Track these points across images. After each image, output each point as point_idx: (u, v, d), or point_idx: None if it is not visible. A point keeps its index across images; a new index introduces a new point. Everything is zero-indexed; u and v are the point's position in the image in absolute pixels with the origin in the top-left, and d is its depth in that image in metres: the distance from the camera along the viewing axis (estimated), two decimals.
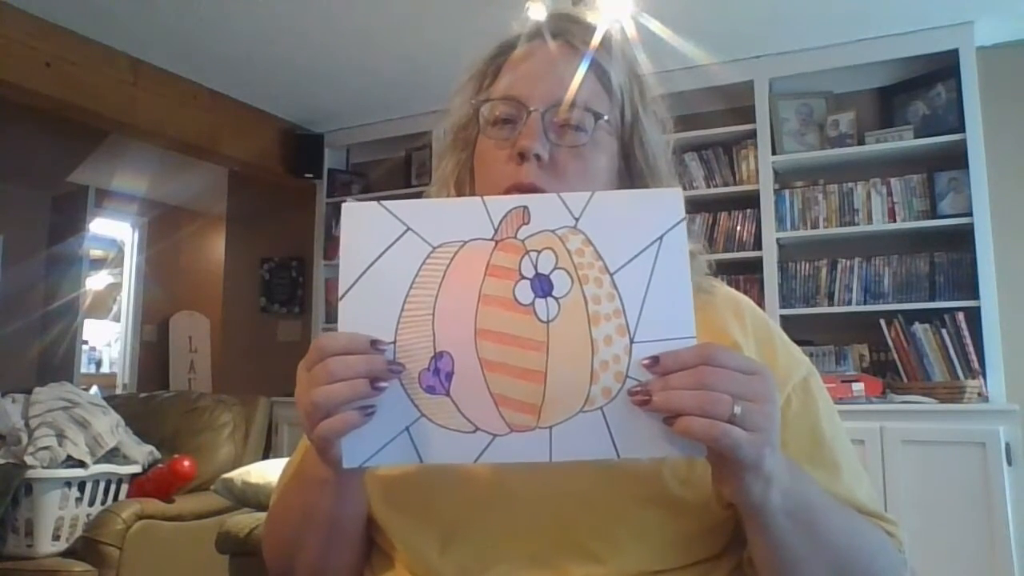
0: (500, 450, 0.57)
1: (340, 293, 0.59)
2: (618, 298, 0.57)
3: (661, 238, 0.58)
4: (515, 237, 0.59)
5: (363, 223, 0.60)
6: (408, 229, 0.60)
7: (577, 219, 0.59)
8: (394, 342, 0.58)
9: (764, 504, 0.57)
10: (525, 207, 0.59)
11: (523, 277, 0.58)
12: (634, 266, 0.58)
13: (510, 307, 0.58)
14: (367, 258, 0.60)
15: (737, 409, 0.52)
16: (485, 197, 0.60)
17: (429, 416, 0.58)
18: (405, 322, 0.59)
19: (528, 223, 0.59)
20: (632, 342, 0.56)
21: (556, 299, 0.58)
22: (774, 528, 0.59)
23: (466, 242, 0.59)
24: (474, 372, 0.57)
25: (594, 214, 0.59)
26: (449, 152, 0.82)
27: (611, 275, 0.58)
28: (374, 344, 0.57)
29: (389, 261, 0.60)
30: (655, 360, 0.55)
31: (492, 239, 0.59)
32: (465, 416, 0.57)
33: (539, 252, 0.58)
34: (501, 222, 0.59)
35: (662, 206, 0.59)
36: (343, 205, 0.61)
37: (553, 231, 0.59)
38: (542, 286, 0.58)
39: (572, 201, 0.59)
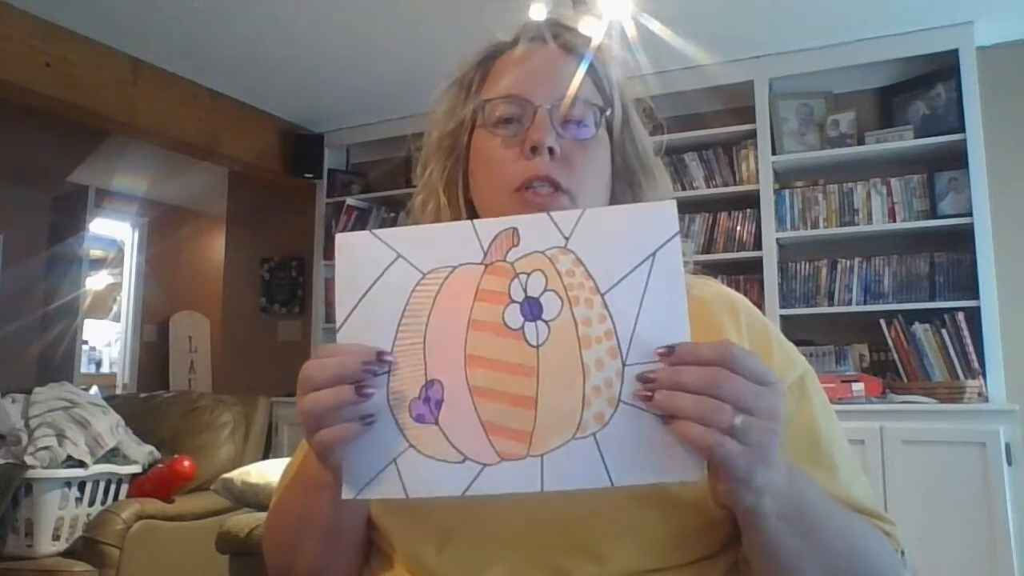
0: (489, 481, 0.56)
1: (337, 325, 0.59)
2: (609, 319, 0.55)
3: (654, 254, 0.56)
4: (504, 260, 0.58)
5: (356, 253, 0.60)
6: (399, 256, 0.59)
7: (567, 238, 0.57)
8: (388, 371, 0.58)
9: (756, 509, 0.57)
10: (515, 229, 0.58)
11: (512, 300, 0.57)
12: (626, 285, 0.56)
13: (500, 332, 0.57)
14: (360, 288, 0.59)
15: (738, 420, 0.51)
16: (475, 221, 0.60)
17: (417, 446, 0.57)
18: (398, 350, 0.58)
19: (518, 245, 0.58)
20: (624, 365, 0.55)
21: (546, 322, 0.56)
22: (767, 531, 0.59)
23: (455, 267, 0.58)
24: (464, 400, 0.56)
25: (585, 232, 0.57)
26: (434, 158, 0.82)
27: (602, 295, 0.56)
28: (367, 364, 0.57)
29: (381, 290, 0.59)
30: (670, 350, 0.54)
31: (481, 263, 0.58)
32: (454, 446, 0.56)
33: (528, 274, 0.57)
34: (490, 245, 0.58)
35: (655, 220, 0.56)
36: (337, 236, 0.61)
37: (543, 252, 0.57)
38: (531, 309, 0.57)
39: (562, 220, 0.58)
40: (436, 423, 0.57)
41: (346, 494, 0.58)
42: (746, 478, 0.53)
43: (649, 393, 0.53)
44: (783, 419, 0.54)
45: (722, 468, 0.53)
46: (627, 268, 0.56)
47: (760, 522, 0.58)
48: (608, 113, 0.77)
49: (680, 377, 0.53)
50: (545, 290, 0.57)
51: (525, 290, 0.57)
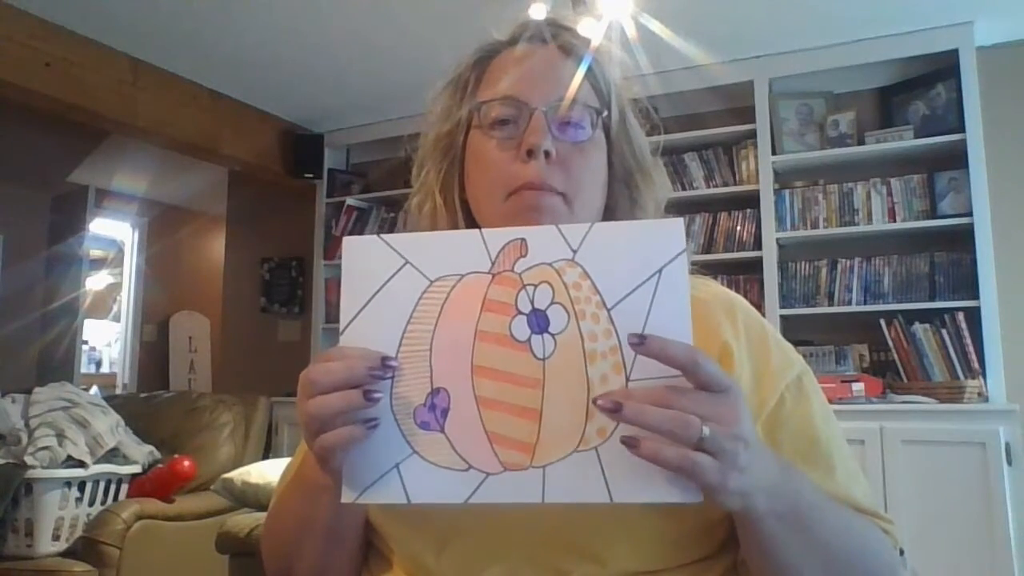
0: (492, 490, 0.56)
1: (341, 327, 0.59)
2: (615, 335, 0.56)
3: (660, 271, 0.56)
4: (512, 270, 0.58)
5: (363, 257, 0.60)
6: (407, 263, 0.60)
7: (575, 251, 0.58)
8: (392, 377, 0.58)
9: (747, 511, 0.57)
10: (523, 239, 0.59)
11: (519, 312, 0.57)
12: (632, 300, 0.56)
13: (506, 343, 0.57)
14: (367, 292, 0.59)
15: (706, 431, 0.51)
16: (483, 230, 0.60)
17: (421, 453, 0.57)
18: (403, 357, 0.58)
19: (525, 255, 0.58)
20: (628, 381, 0.55)
21: (552, 335, 0.57)
22: (763, 530, 0.59)
23: (463, 275, 0.59)
24: (470, 409, 0.57)
25: (593, 246, 0.58)
26: (431, 159, 0.81)
27: (608, 310, 0.56)
28: (373, 369, 0.57)
29: (388, 295, 0.59)
30: (642, 339, 0.54)
31: (489, 272, 0.58)
32: (459, 454, 0.57)
33: (536, 286, 0.58)
34: (498, 255, 0.59)
35: (662, 237, 0.57)
36: (344, 239, 0.61)
37: (550, 264, 0.58)
38: (538, 322, 0.57)
39: (570, 233, 0.58)
40: (442, 431, 0.57)
41: (346, 498, 0.58)
42: (720, 487, 0.53)
43: (613, 406, 0.53)
44: (748, 421, 0.55)
45: (696, 482, 0.53)
46: (633, 284, 0.56)
47: (756, 522, 0.58)
48: (605, 115, 0.76)
49: (639, 396, 0.53)
50: (552, 303, 0.57)
51: (532, 302, 0.57)
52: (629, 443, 0.53)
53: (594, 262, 0.57)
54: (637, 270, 0.57)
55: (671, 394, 0.53)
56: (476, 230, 0.60)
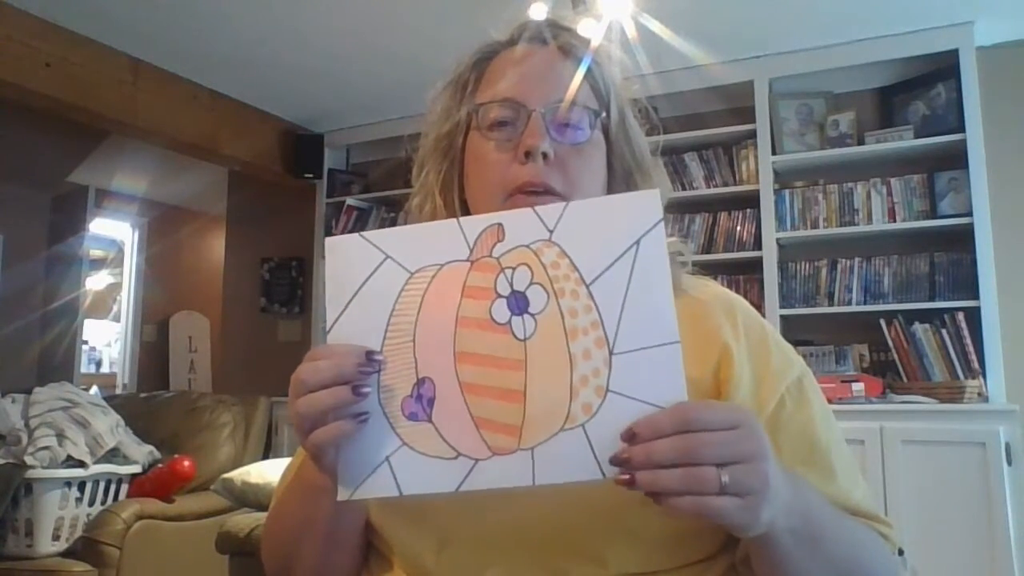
0: (482, 476, 0.56)
1: (327, 326, 0.60)
2: (595, 309, 0.56)
3: (638, 242, 0.56)
4: (490, 255, 0.58)
5: (345, 256, 0.61)
6: (387, 257, 0.60)
7: (551, 231, 0.58)
8: (378, 371, 0.58)
9: (766, 532, 0.56)
10: (499, 224, 0.59)
11: (499, 295, 0.57)
12: (611, 274, 0.56)
13: (487, 327, 0.57)
14: (350, 290, 0.60)
15: (725, 478, 0.51)
16: (460, 219, 0.60)
17: (411, 444, 0.57)
18: (388, 350, 0.58)
19: (503, 240, 0.58)
20: (612, 354, 0.55)
21: (532, 316, 0.57)
22: (778, 547, 0.59)
23: (443, 265, 0.59)
24: (455, 396, 0.57)
25: (569, 225, 0.57)
26: (431, 160, 0.82)
27: (587, 286, 0.56)
28: (360, 365, 0.57)
29: (370, 291, 0.60)
30: (632, 434, 0.52)
31: (468, 259, 0.59)
32: (447, 442, 0.57)
33: (514, 269, 0.58)
34: (476, 241, 0.59)
35: (638, 209, 0.57)
36: (326, 240, 0.61)
37: (528, 246, 0.58)
38: (518, 303, 0.57)
39: (546, 214, 0.58)
40: (429, 420, 0.57)
41: (341, 495, 0.58)
42: (751, 523, 0.53)
43: (628, 476, 0.52)
44: (768, 453, 0.54)
45: (722, 524, 0.52)
46: (612, 257, 0.56)
47: (772, 540, 0.58)
48: (603, 116, 0.76)
49: (654, 456, 0.51)
50: (531, 283, 0.57)
51: (511, 284, 0.58)
52: (657, 500, 0.52)
53: (571, 240, 0.57)
54: (614, 243, 0.56)
55: (686, 442, 0.51)
56: (453, 219, 0.60)
